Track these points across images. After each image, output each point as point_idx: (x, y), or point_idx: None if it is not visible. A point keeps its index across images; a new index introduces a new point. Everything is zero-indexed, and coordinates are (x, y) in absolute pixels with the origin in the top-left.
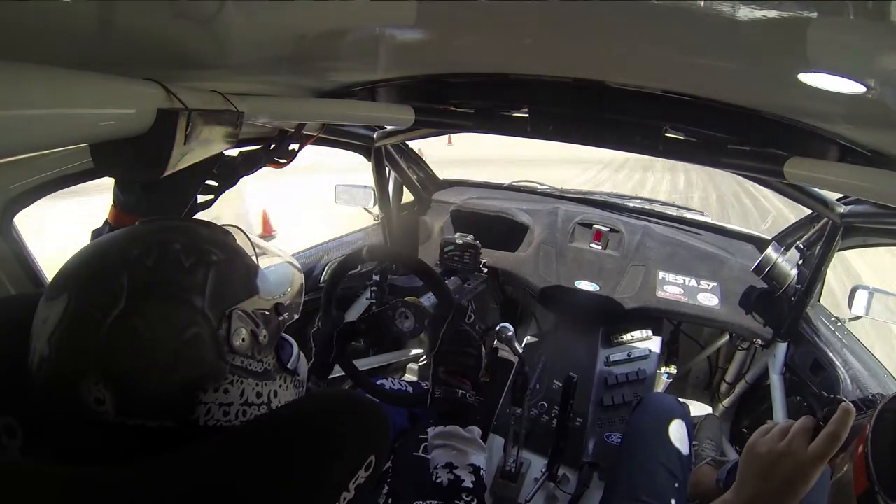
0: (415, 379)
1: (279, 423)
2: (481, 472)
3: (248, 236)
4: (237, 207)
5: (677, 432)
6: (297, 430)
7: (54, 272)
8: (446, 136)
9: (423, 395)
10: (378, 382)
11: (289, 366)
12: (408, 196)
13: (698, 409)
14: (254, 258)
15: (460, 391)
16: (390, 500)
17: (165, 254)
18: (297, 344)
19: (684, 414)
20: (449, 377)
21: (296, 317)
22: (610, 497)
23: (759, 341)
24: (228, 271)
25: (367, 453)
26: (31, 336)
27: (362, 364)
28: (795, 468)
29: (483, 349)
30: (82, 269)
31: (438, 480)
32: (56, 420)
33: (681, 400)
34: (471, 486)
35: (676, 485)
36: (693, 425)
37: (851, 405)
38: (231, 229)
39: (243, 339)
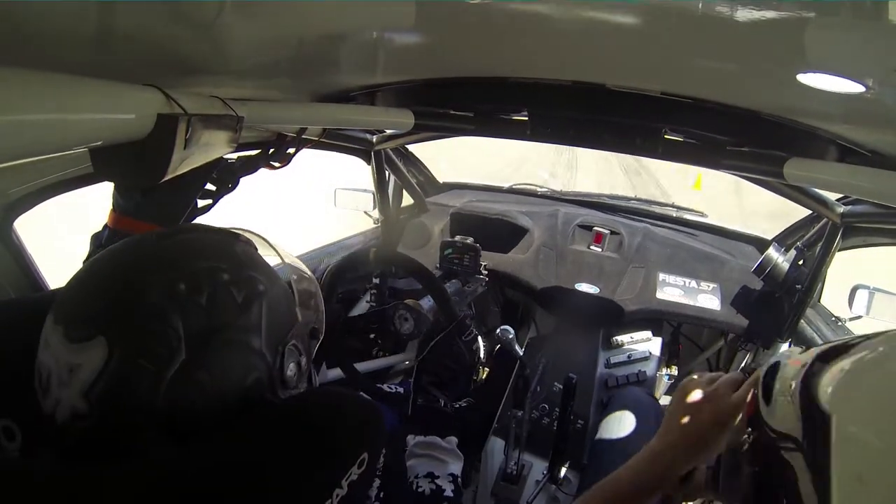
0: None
1: (272, 419)
2: (458, 480)
3: (270, 243)
4: None
5: (648, 424)
6: (290, 427)
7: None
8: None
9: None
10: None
11: (312, 382)
12: (407, 199)
13: None
14: (283, 271)
15: (441, 401)
16: (382, 494)
17: (217, 289)
18: None
19: (654, 404)
20: (431, 387)
21: (322, 336)
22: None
23: (760, 342)
24: (276, 302)
25: (360, 451)
26: (46, 379)
27: (362, 367)
28: (716, 412)
29: (475, 356)
30: (118, 307)
31: (420, 490)
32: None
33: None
34: (451, 494)
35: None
36: (652, 407)
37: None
38: (252, 238)
39: (293, 373)
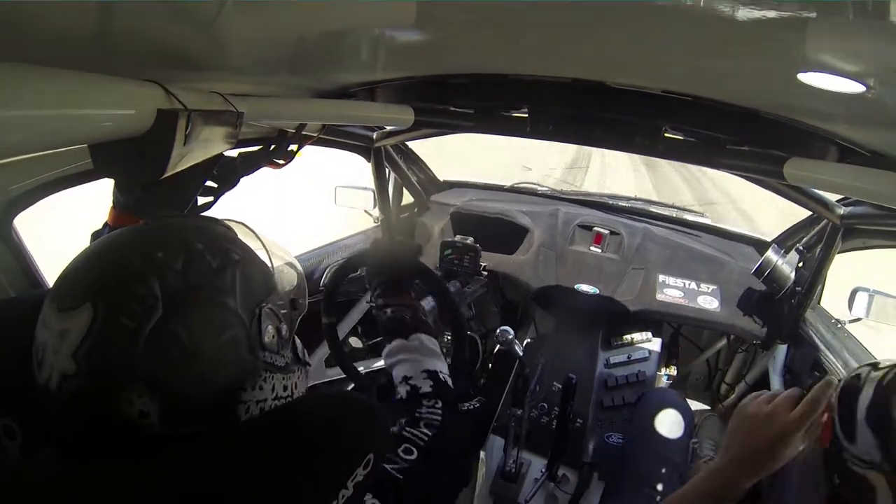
0: None
1: (278, 421)
2: (440, 375)
3: (252, 231)
4: None
5: (676, 424)
6: (295, 429)
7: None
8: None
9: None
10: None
11: (300, 356)
12: (408, 198)
13: (698, 410)
14: (263, 253)
15: (404, 315)
16: None
17: (192, 255)
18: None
19: (682, 405)
20: (387, 297)
21: (305, 309)
22: (613, 492)
23: (759, 343)
24: (251, 269)
25: (365, 452)
26: (41, 351)
27: (362, 366)
28: (778, 430)
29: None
30: (103, 276)
31: (399, 397)
32: (79, 431)
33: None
34: (429, 390)
35: (681, 479)
36: (692, 415)
37: (834, 379)
38: (234, 225)
39: (272, 336)
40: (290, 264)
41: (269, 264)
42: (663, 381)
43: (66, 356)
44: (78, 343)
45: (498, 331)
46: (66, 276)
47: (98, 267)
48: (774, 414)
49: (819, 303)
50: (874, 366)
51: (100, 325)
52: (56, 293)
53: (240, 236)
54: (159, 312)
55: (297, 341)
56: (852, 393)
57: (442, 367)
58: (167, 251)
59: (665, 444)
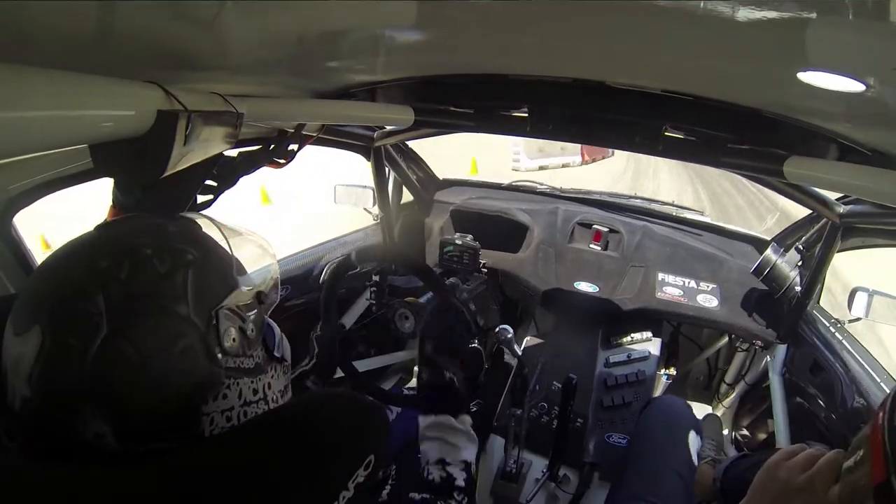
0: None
1: (278, 422)
2: (472, 467)
3: (214, 222)
4: None
5: (689, 437)
6: (296, 429)
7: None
8: None
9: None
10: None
11: (275, 353)
12: (407, 196)
13: (698, 409)
14: (226, 247)
15: (448, 374)
16: (391, 500)
17: (137, 262)
18: (298, 343)
19: (695, 419)
20: (437, 356)
21: (276, 300)
22: (617, 496)
23: (759, 343)
24: (206, 269)
25: (366, 452)
26: (5, 374)
27: (362, 366)
28: None
29: (474, 326)
30: (49, 295)
31: (430, 477)
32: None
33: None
34: (463, 484)
35: (685, 488)
36: (697, 427)
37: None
38: (197, 217)
39: (234, 339)
40: (259, 249)
41: (231, 260)
42: (663, 381)
43: (22, 381)
44: (30, 367)
45: (497, 329)
46: (21, 297)
47: (46, 285)
48: (810, 489)
49: (819, 302)
50: None
51: (48, 347)
52: (13, 314)
53: (203, 230)
54: (104, 329)
55: (276, 334)
56: None
57: (473, 456)
58: (111, 260)
59: (681, 460)
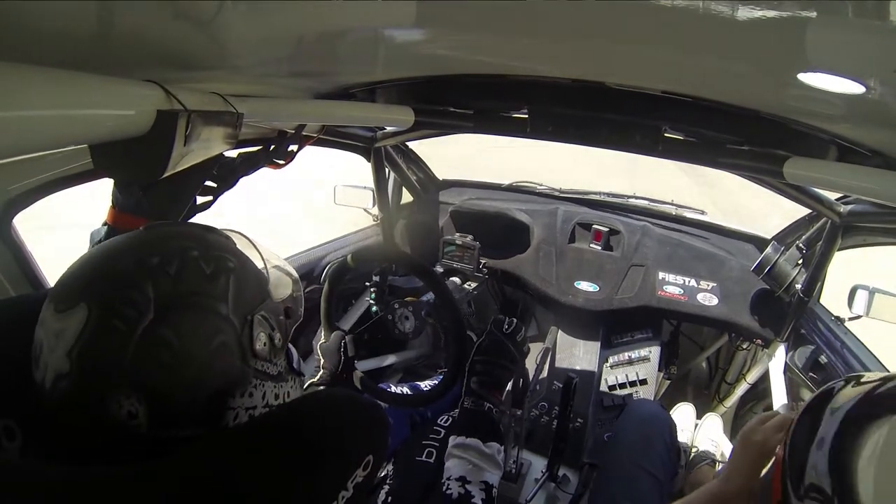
0: (415, 382)
1: (278, 421)
2: (493, 490)
3: (250, 240)
4: None
5: (659, 437)
6: (295, 429)
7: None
8: None
9: (421, 396)
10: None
11: (294, 366)
12: (407, 197)
13: (698, 409)
14: (259, 262)
15: (488, 405)
16: (390, 499)
17: (186, 262)
18: (296, 341)
19: (666, 418)
20: (481, 388)
21: (300, 319)
22: (595, 501)
23: (759, 341)
24: (245, 277)
25: (365, 452)
26: (38, 350)
27: (363, 366)
28: (761, 449)
29: (519, 360)
30: (99, 279)
31: (448, 492)
32: (70, 432)
33: (684, 403)
34: (479, 503)
35: (660, 489)
36: (671, 428)
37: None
38: (232, 234)
39: (264, 344)
40: (287, 273)
41: (265, 274)
42: (663, 381)
43: (60, 355)
44: (72, 342)
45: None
46: (65, 278)
47: (95, 270)
48: (765, 435)
49: (819, 300)
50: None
51: (93, 325)
52: (55, 294)
53: (238, 246)
54: (150, 316)
55: (293, 350)
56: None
57: (496, 480)
58: (162, 257)
59: (653, 460)
